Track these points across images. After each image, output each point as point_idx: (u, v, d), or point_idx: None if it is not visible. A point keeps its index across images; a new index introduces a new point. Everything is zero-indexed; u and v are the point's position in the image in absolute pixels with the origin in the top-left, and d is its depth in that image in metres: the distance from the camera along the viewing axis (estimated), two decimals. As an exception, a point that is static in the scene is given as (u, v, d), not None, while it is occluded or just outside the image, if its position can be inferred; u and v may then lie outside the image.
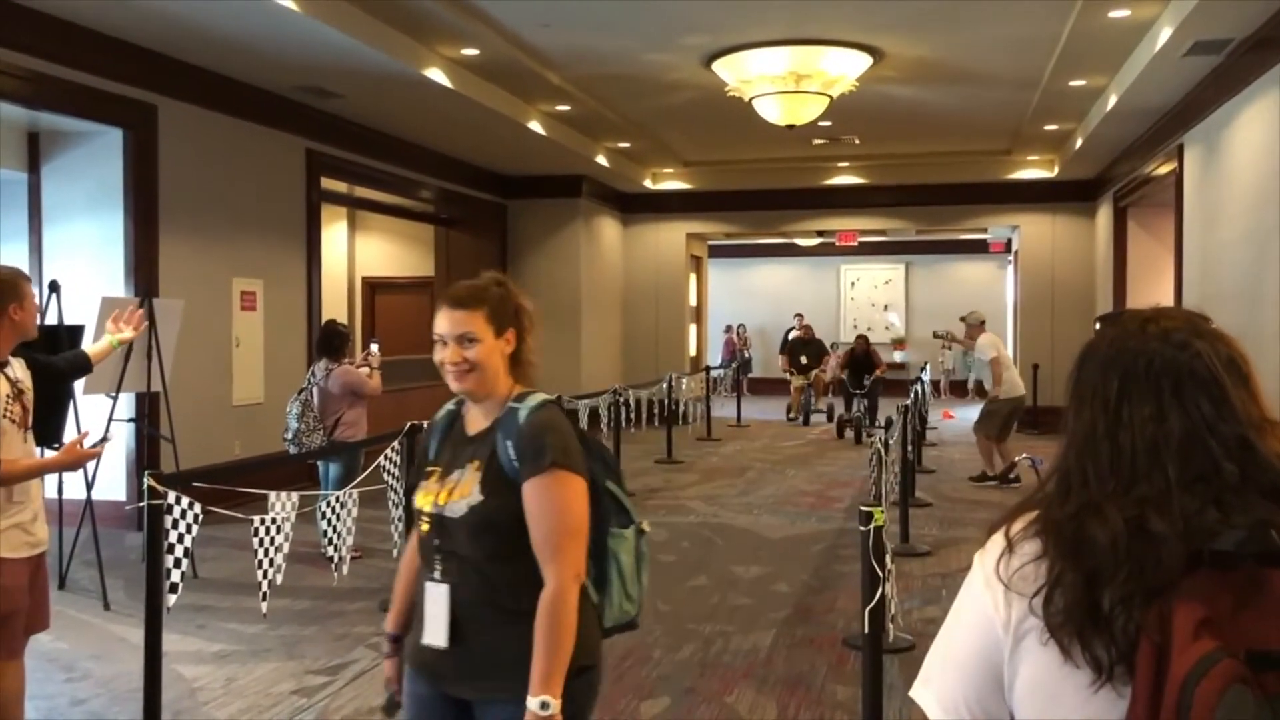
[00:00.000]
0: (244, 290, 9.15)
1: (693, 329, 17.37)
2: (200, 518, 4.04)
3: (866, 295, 22.94)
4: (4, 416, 3.31)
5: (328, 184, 10.74)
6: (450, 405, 2.35)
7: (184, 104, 8.31)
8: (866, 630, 3.81)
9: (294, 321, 9.90)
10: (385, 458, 5.65)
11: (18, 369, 3.47)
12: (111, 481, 7.54)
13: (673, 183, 15.74)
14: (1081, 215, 14.90)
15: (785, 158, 14.55)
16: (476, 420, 2.24)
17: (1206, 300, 8.60)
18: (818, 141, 13.22)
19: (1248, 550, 1.05)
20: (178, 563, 3.94)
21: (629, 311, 16.35)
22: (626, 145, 13.58)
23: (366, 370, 7.12)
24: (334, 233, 13.77)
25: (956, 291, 21.28)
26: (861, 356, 13.98)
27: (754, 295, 22.93)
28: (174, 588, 3.96)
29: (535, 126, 11.08)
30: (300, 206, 10.03)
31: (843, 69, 9.05)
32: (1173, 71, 8.39)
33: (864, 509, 3.90)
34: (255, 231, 9.32)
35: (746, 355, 22.07)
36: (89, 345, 4.68)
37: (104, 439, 5.22)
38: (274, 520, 4.30)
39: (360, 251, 14.89)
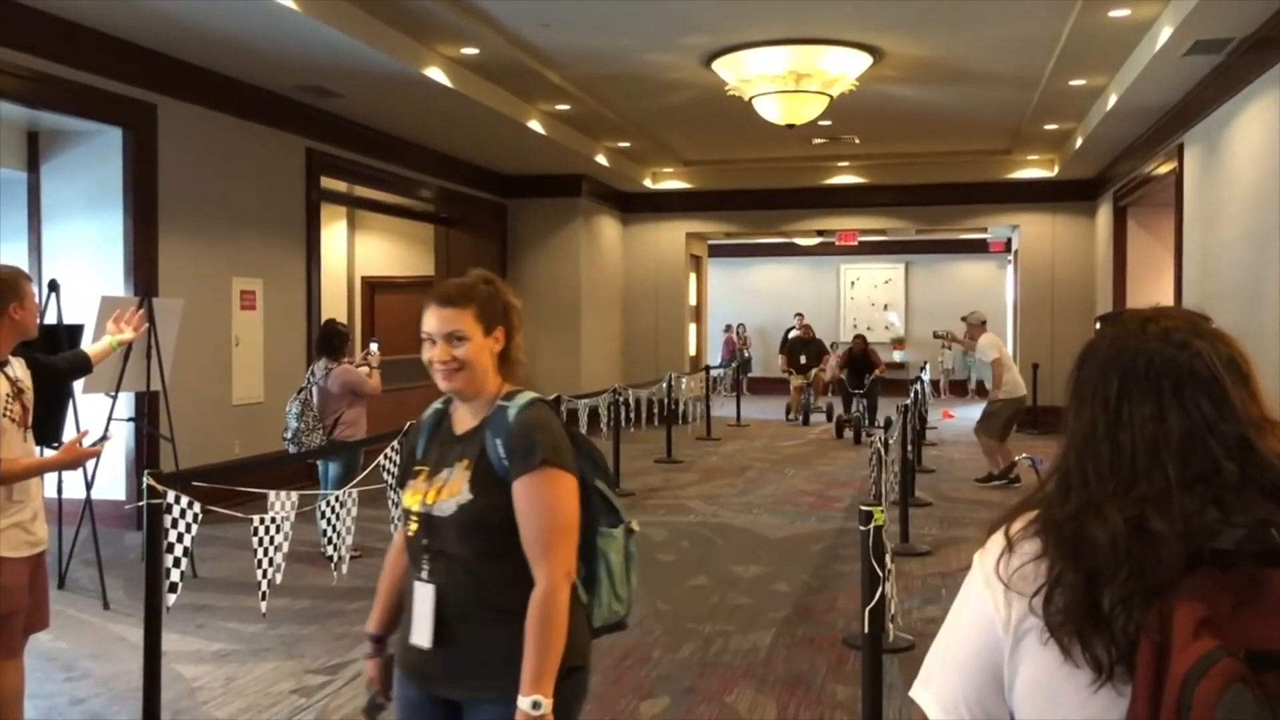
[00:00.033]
0: (244, 289, 9.15)
1: (692, 328, 17.36)
2: (200, 517, 4.04)
3: (866, 295, 22.94)
4: (4, 415, 3.31)
5: (327, 183, 10.74)
6: (438, 404, 2.34)
7: (184, 103, 8.31)
8: (866, 630, 3.81)
9: (293, 321, 9.90)
10: (385, 457, 5.65)
11: (17, 368, 3.47)
12: (111, 481, 7.54)
13: (672, 182, 15.74)
14: (1081, 215, 14.91)
15: (785, 157, 14.55)
16: (465, 419, 2.23)
17: (1206, 300, 8.60)
18: (818, 141, 13.22)
19: (1248, 549, 1.05)
20: (177, 562, 3.94)
21: (629, 311, 16.35)
22: (626, 145, 13.58)
23: (366, 370, 7.12)
24: (334, 232, 13.77)
25: (956, 291, 21.29)
26: (860, 356, 13.97)
27: (754, 295, 22.93)
28: (173, 587, 3.96)
29: (535, 126, 11.08)
30: (300, 206, 10.03)
31: (843, 68, 9.04)
32: (1173, 71, 8.39)
33: (864, 508, 3.90)
34: (255, 231, 9.32)
35: (746, 355, 22.07)
36: (89, 345, 4.67)
37: (104, 438, 5.21)
38: (273, 520, 4.30)
39: (360, 251, 14.89)
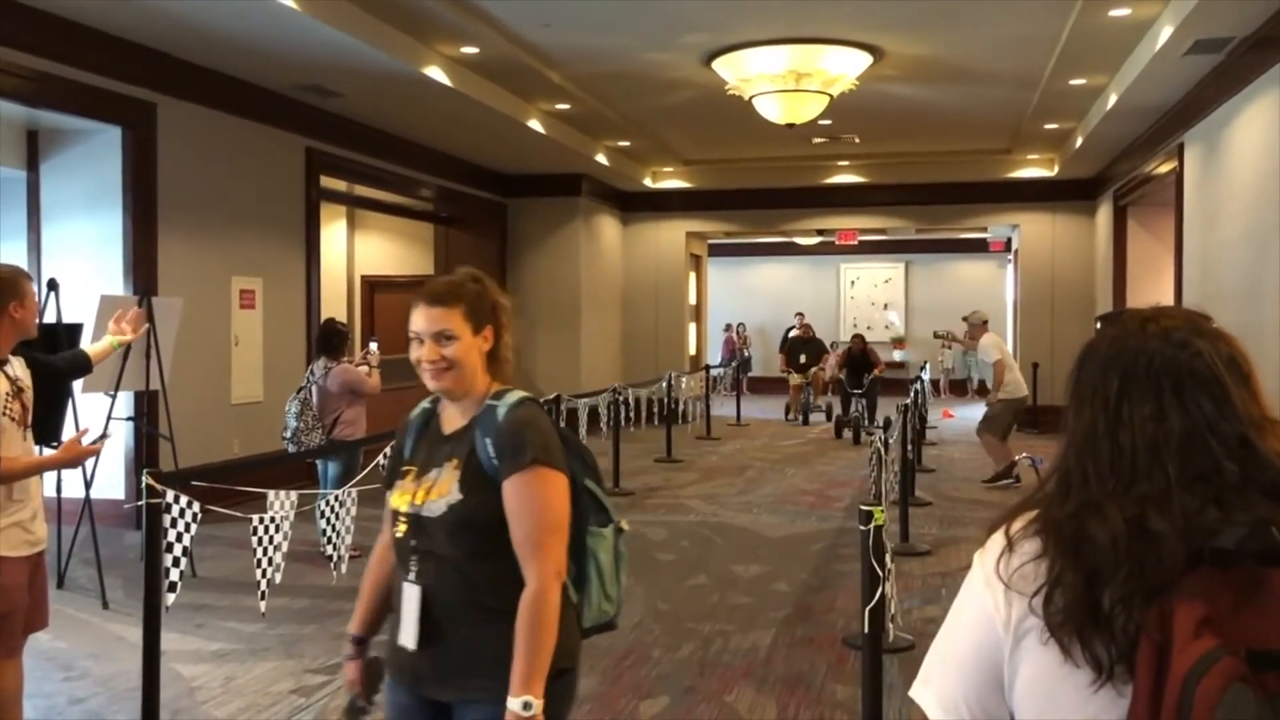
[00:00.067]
0: (243, 289, 9.14)
1: (692, 328, 17.36)
2: (199, 516, 4.04)
3: (866, 294, 22.94)
4: (3, 414, 3.30)
5: (327, 182, 10.73)
6: (425, 403, 2.32)
7: (183, 102, 8.31)
8: (866, 630, 3.81)
9: (293, 320, 9.89)
10: (384, 456, 5.64)
11: (17, 367, 3.47)
12: (110, 480, 7.54)
13: (672, 181, 15.74)
14: (1081, 214, 14.90)
15: (785, 156, 14.55)
16: (453, 418, 2.21)
17: (1207, 299, 8.60)
18: (818, 140, 13.22)
19: (1248, 548, 1.05)
20: (176, 561, 3.94)
21: (629, 310, 16.34)
22: (626, 144, 13.58)
23: (365, 369, 7.12)
24: (333, 231, 13.76)
25: (956, 290, 21.29)
26: (859, 356, 13.96)
27: (754, 294, 22.93)
28: (172, 586, 3.96)
29: (535, 125, 11.07)
30: (300, 205, 10.02)
31: (843, 68, 9.04)
32: (1173, 70, 8.38)
33: (864, 508, 3.89)
34: (254, 230, 9.32)
35: (746, 354, 22.07)
36: (89, 345, 4.67)
37: (103, 435, 5.22)
38: (273, 519, 4.30)
39: (359, 250, 14.88)
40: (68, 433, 5.74)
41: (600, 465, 2.32)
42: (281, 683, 4.71)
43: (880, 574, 3.81)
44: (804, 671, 4.88)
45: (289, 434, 6.86)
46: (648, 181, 15.55)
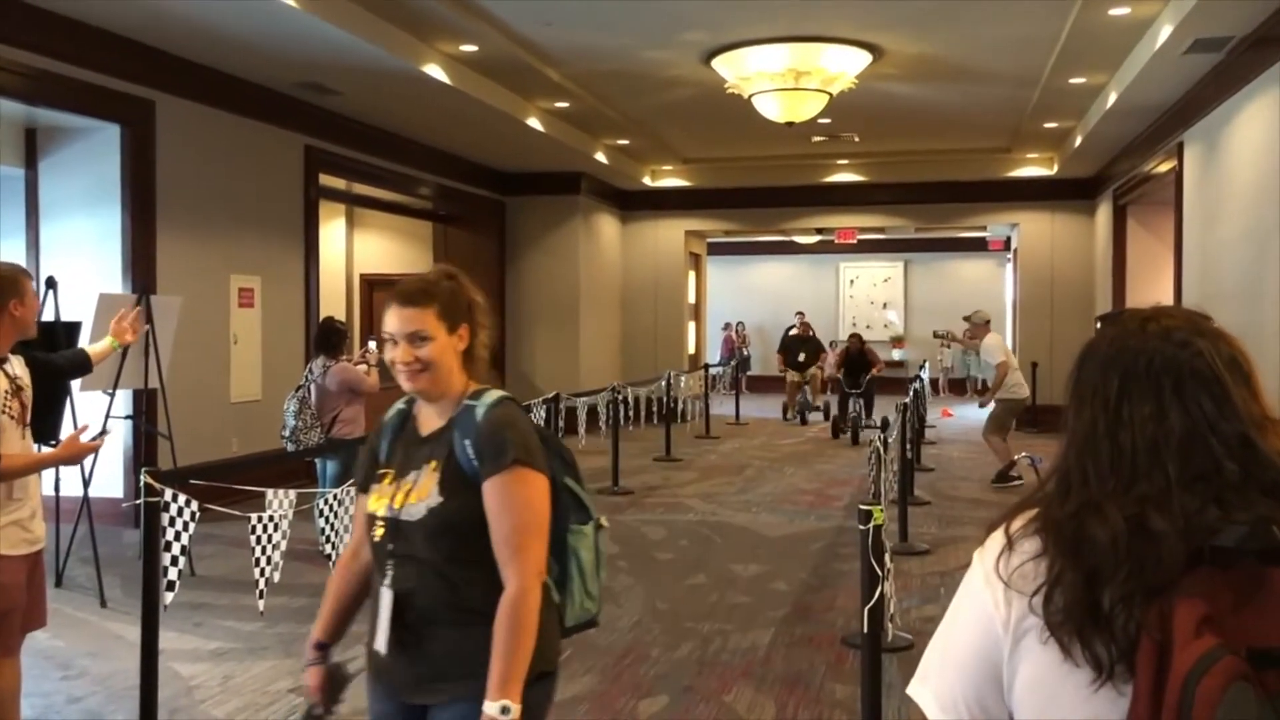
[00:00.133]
0: (242, 287, 9.14)
1: (691, 326, 17.36)
2: (197, 515, 4.03)
3: (865, 293, 22.95)
4: (3, 412, 3.30)
5: (326, 180, 10.72)
6: (400, 404, 2.28)
7: (182, 100, 8.30)
8: (865, 629, 3.80)
9: (292, 318, 9.89)
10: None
11: (17, 366, 3.47)
12: (108, 479, 7.53)
13: (672, 180, 15.73)
14: (1081, 213, 14.90)
15: (784, 155, 14.54)
16: (430, 419, 2.18)
17: (1206, 299, 8.60)
18: (817, 139, 13.21)
19: (1249, 547, 1.04)
20: (175, 560, 3.94)
21: (628, 309, 16.34)
22: (625, 142, 13.57)
23: (364, 367, 7.11)
24: (332, 229, 13.74)
25: (955, 290, 21.30)
26: (856, 355, 13.94)
27: (753, 293, 22.93)
28: (171, 585, 3.96)
29: (534, 123, 11.07)
30: (298, 203, 10.01)
31: (842, 66, 9.03)
32: (1173, 69, 8.38)
33: (863, 507, 3.89)
34: (253, 228, 9.31)
35: (745, 353, 22.07)
36: (90, 345, 4.66)
37: (103, 432, 5.22)
38: (271, 518, 4.29)
39: (358, 248, 14.86)
40: (66, 431, 5.75)
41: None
42: (280, 681, 4.71)
43: (879, 573, 3.81)
44: (803, 671, 4.88)
45: (288, 433, 6.85)
46: (647, 180, 15.54)
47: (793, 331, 17.12)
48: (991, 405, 10.27)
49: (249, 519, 4.27)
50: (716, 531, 7.99)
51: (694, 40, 8.74)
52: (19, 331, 3.46)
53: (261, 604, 4.31)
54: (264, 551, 4.25)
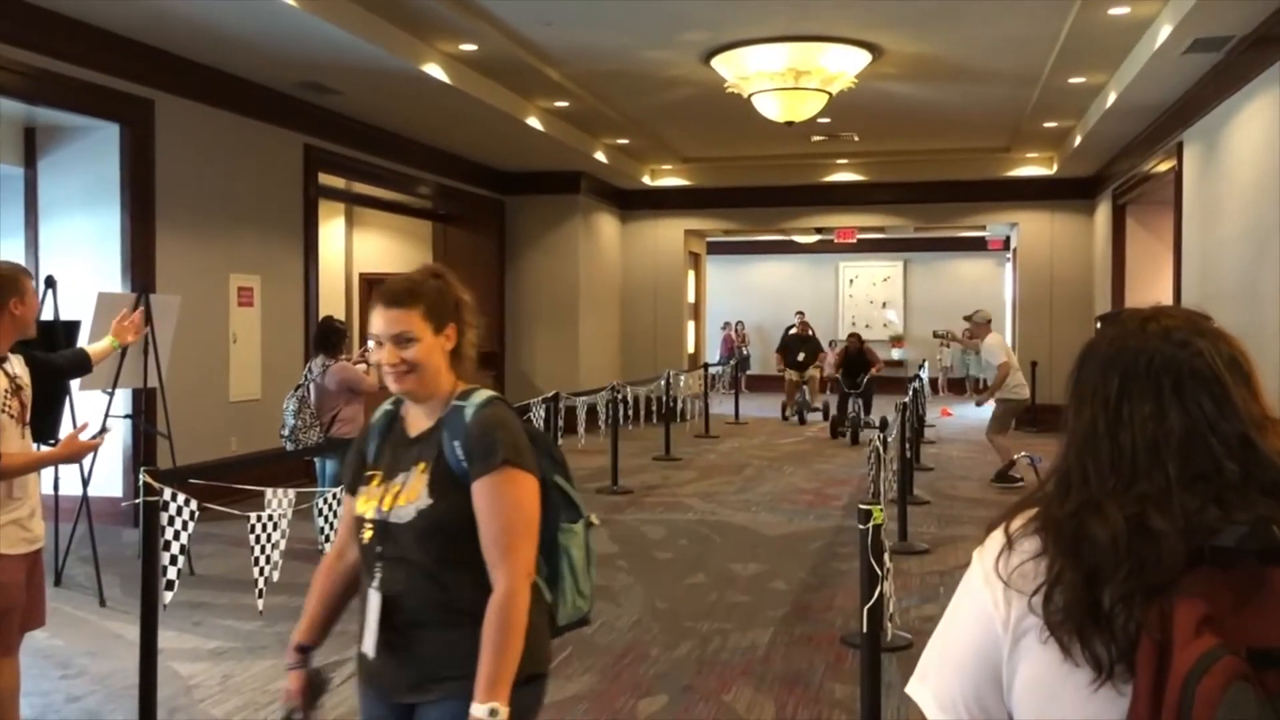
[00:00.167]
0: (241, 286, 9.13)
1: (691, 326, 17.35)
2: (196, 514, 4.03)
3: (865, 292, 22.95)
4: (2, 411, 3.30)
5: (325, 180, 10.72)
6: (388, 405, 2.26)
7: (181, 99, 8.29)
8: (865, 628, 3.80)
9: (291, 318, 9.88)
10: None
11: (16, 365, 3.47)
12: (108, 478, 7.52)
13: (671, 179, 15.73)
14: (1080, 213, 14.90)
15: (784, 154, 14.54)
16: (418, 420, 2.16)
17: (1206, 299, 8.60)
18: (816, 138, 13.21)
19: (1249, 547, 1.04)
20: (174, 559, 3.94)
21: (627, 308, 16.34)
22: (625, 142, 13.57)
23: (363, 367, 7.11)
24: (331, 229, 13.74)
25: (955, 289, 21.31)
26: (855, 355, 13.92)
27: (752, 292, 22.93)
28: (170, 584, 3.96)
29: (534, 123, 11.06)
30: (298, 202, 10.01)
31: (842, 66, 9.03)
32: (1172, 69, 8.38)
33: (862, 507, 3.89)
34: (253, 227, 9.30)
35: (745, 352, 22.08)
36: (90, 344, 4.66)
37: (103, 430, 5.21)
38: (271, 517, 4.29)
39: (358, 247, 14.85)
40: (65, 430, 5.75)
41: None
42: (279, 681, 4.70)
43: (879, 572, 3.81)
44: (802, 670, 4.87)
45: (287, 432, 6.85)
46: (646, 179, 15.54)
47: (792, 331, 17.13)
48: (992, 405, 10.27)
49: (248, 518, 4.27)
50: (716, 531, 7.99)
51: (694, 40, 8.74)
52: (19, 331, 3.46)
53: (260, 603, 4.30)
54: (263, 551, 4.25)
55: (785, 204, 15.92)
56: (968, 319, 10.81)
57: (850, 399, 13.61)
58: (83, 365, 4.49)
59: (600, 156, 13.37)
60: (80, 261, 7.82)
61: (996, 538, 1.20)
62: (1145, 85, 8.96)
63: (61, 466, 5.81)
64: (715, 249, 19.85)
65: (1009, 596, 1.15)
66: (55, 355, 4.48)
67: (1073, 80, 9.91)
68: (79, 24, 7.13)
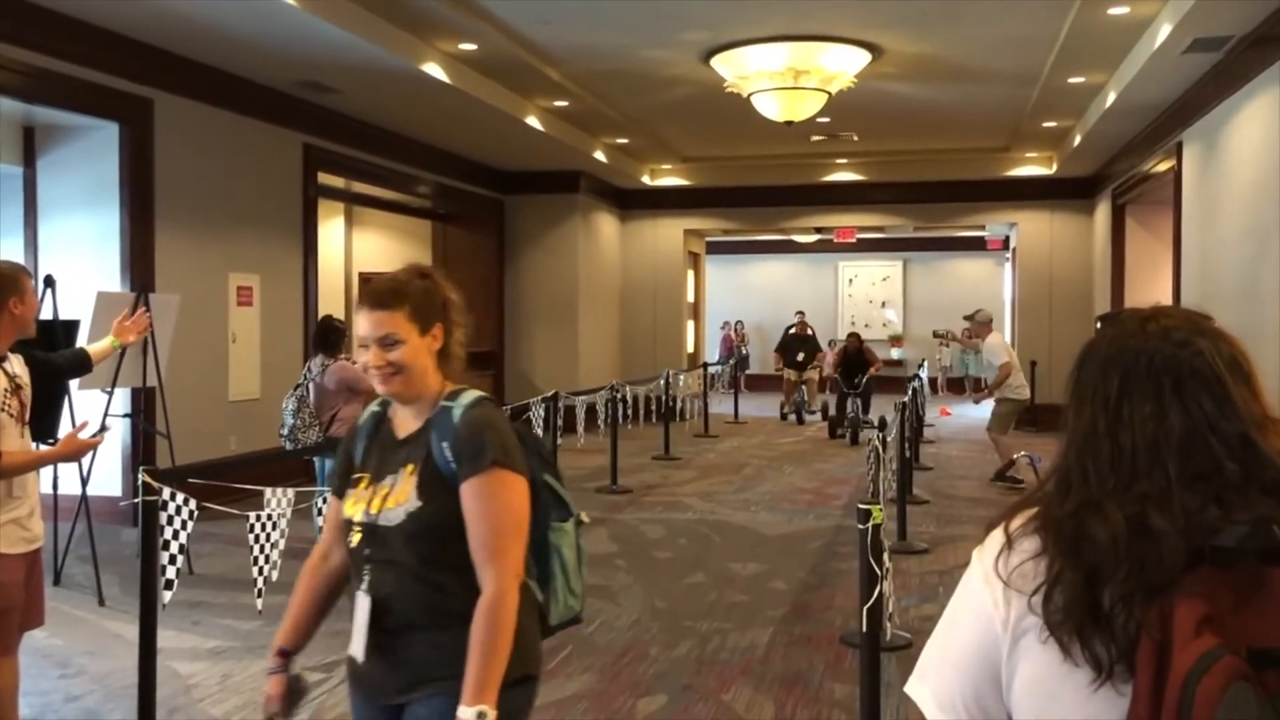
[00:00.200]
0: (240, 285, 9.13)
1: (690, 325, 17.36)
2: (195, 514, 4.03)
3: (864, 292, 22.96)
4: (2, 410, 3.30)
5: (325, 179, 10.72)
6: (375, 407, 2.24)
7: (180, 98, 8.29)
8: (864, 628, 3.80)
9: (290, 317, 9.88)
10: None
11: (16, 364, 3.46)
12: (107, 477, 7.52)
13: (671, 179, 15.73)
14: (1080, 212, 14.90)
15: (783, 154, 14.54)
16: (406, 422, 2.14)
17: (1205, 298, 8.60)
18: (816, 138, 13.21)
19: (1250, 546, 1.04)
20: (173, 559, 3.94)
21: (627, 308, 16.34)
22: (625, 141, 13.56)
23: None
24: (331, 228, 13.73)
25: (954, 288, 21.32)
26: (854, 355, 13.92)
27: (752, 292, 22.94)
28: (169, 584, 3.95)
29: (533, 122, 11.06)
30: (297, 201, 10.01)
31: (841, 65, 9.03)
32: (1172, 69, 8.38)
33: (862, 506, 3.89)
34: (252, 226, 9.30)
35: (744, 352, 22.08)
36: (90, 344, 4.66)
37: (103, 428, 5.21)
38: (270, 516, 4.29)
39: (357, 247, 14.85)
40: (64, 430, 5.74)
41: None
42: (278, 680, 4.70)
43: (878, 572, 3.81)
44: (801, 670, 4.87)
45: (286, 431, 6.84)
46: (646, 179, 15.54)
47: (792, 331, 17.13)
48: (992, 403, 10.27)
49: (247, 517, 4.27)
50: (715, 530, 7.99)
51: (693, 39, 8.74)
52: (19, 330, 3.45)
53: (260, 603, 4.30)
54: (262, 550, 4.25)
55: (785, 203, 15.92)
56: (969, 319, 10.81)
57: (849, 399, 13.60)
58: (83, 365, 4.49)
59: (600, 156, 13.37)
60: (79, 261, 7.82)
61: (996, 537, 1.20)
62: (1145, 85, 8.96)
63: (60, 466, 5.81)
64: (715, 248, 19.85)
65: (1009, 596, 1.15)
66: (55, 355, 4.48)
67: (1072, 80, 9.91)
68: (78, 23, 7.13)
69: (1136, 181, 11.87)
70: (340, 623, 2.37)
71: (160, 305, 6.62)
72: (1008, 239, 18.35)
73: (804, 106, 9.54)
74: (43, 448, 4.74)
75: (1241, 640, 1.00)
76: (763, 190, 15.56)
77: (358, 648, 2.08)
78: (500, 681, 1.93)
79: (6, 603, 3.33)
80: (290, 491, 4.40)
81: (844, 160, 14.94)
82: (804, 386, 15.86)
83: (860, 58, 8.98)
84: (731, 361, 19.50)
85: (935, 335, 12.92)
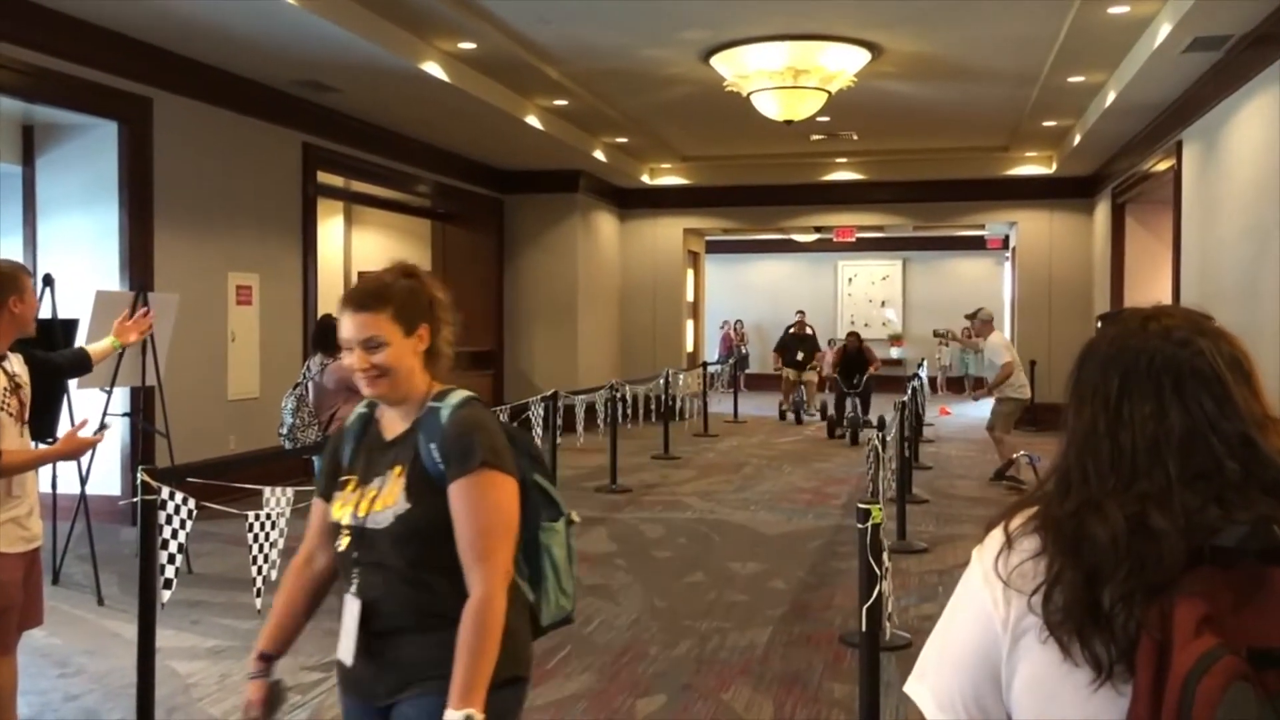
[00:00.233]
0: (240, 285, 9.13)
1: (690, 325, 17.35)
2: (194, 513, 4.03)
3: (864, 291, 22.96)
4: (1, 409, 3.29)
5: (324, 178, 10.72)
6: (362, 408, 2.22)
7: (180, 97, 8.28)
8: (863, 628, 3.80)
9: (290, 316, 9.88)
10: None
11: (15, 364, 3.46)
12: (106, 476, 7.51)
13: (670, 178, 15.72)
14: (1079, 212, 14.90)
15: (783, 153, 14.53)
16: (394, 423, 2.12)
17: (1205, 298, 8.60)
18: (816, 137, 13.21)
19: (1250, 546, 1.04)
20: (172, 558, 3.93)
21: (626, 307, 16.34)
22: (624, 140, 13.56)
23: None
24: (330, 227, 13.73)
25: (954, 288, 21.32)
26: (854, 354, 13.90)
27: (751, 291, 22.94)
28: (168, 583, 3.95)
29: (533, 121, 11.05)
30: (296, 201, 10.00)
31: (841, 64, 9.03)
32: (1172, 68, 8.38)
33: (861, 506, 3.89)
34: (251, 226, 9.30)
35: (744, 351, 22.08)
36: (91, 344, 4.65)
37: (102, 427, 5.21)
38: (269, 515, 4.28)
39: (356, 246, 14.84)
40: (63, 429, 5.74)
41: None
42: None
43: (877, 572, 3.81)
44: (801, 669, 4.87)
45: (285, 430, 6.82)
46: (645, 178, 15.53)
47: (792, 330, 17.14)
48: (992, 401, 10.27)
49: (246, 517, 4.26)
50: (715, 529, 7.99)
51: (693, 38, 8.73)
52: (18, 329, 3.45)
53: (259, 602, 4.29)
54: (261, 549, 4.24)
55: (784, 203, 15.92)
56: (970, 318, 10.81)
57: (848, 398, 13.59)
58: (83, 365, 4.48)
59: (599, 155, 13.37)
60: (78, 260, 7.81)
61: (996, 537, 1.20)
62: (1145, 84, 8.95)
63: (59, 465, 5.80)
64: (714, 248, 19.85)
65: (1008, 596, 1.15)
66: (55, 354, 4.47)
67: (1072, 79, 9.91)
68: (78, 22, 7.12)
69: (1136, 181, 11.87)
70: (337, 622, 2.36)
71: (159, 304, 6.61)
72: (1007, 238, 18.35)
73: (804, 106, 9.54)
74: (42, 447, 4.75)
75: (1242, 640, 1.00)
76: (762, 189, 15.56)
77: (346, 651, 2.06)
78: (488, 684, 1.91)
79: (5, 602, 3.33)
80: (289, 491, 4.40)
81: (843, 159, 14.94)
82: (803, 386, 15.85)
83: (860, 57, 8.97)
84: (731, 361, 19.50)
85: (935, 335, 12.92)
